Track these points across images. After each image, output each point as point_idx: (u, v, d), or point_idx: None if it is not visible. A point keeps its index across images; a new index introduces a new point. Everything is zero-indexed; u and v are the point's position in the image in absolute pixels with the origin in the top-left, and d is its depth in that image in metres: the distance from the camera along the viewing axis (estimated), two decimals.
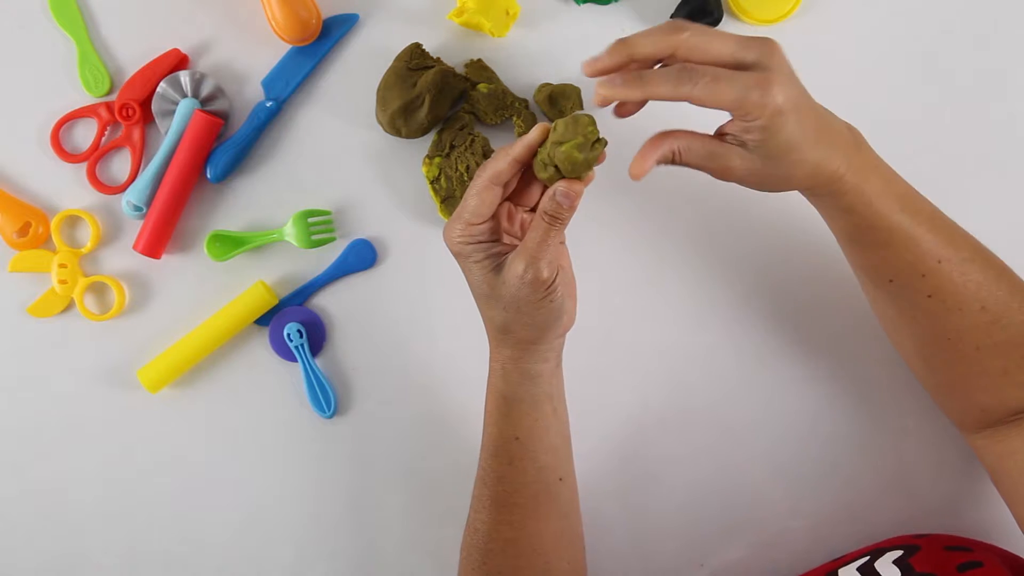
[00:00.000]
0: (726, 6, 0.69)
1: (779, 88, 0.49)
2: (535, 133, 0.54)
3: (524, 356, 0.58)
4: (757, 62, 0.50)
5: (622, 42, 0.51)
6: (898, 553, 0.57)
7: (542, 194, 0.57)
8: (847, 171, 0.53)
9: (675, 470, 0.69)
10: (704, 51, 0.50)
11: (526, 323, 0.56)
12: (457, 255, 0.57)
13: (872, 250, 0.56)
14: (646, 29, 0.52)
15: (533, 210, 0.58)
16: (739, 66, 0.50)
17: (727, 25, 0.69)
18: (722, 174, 0.53)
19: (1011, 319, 0.55)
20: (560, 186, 0.52)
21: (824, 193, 0.55)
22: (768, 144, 0.51)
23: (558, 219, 0.53)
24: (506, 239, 0.58)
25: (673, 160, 0.54)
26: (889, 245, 0.55)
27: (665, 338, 0.70)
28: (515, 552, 0.60)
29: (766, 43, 0.50)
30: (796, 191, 0.56)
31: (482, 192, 0.54)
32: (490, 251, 0.56)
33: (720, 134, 0.53)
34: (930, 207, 0.56)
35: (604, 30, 0.70)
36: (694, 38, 0.50)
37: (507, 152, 0.54)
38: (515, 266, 0.53)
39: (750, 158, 0.52)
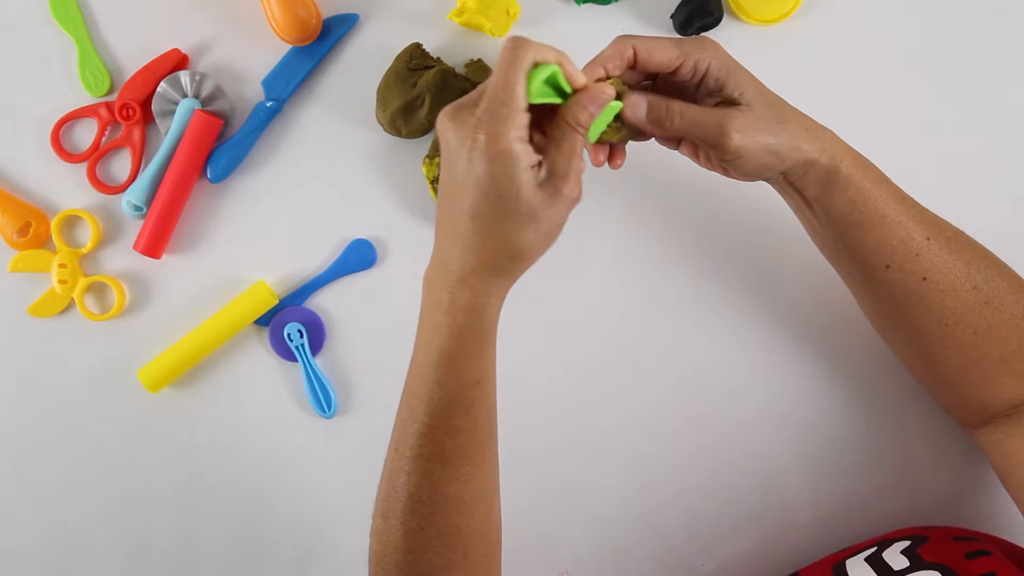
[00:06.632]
0: (726, 6, 0.68)
1: (717, 45, 0.53)
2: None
3: (509, 285, 0.52)
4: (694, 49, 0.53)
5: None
6: (906, 543, 0.57)
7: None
8: (832, 140, 0.55)
9: (678, 465, 0.69)
10: (649, 52, 0.52)
11: (546, 245, 0.50)
12: (504, 157, 0.46)
13: (868, 230, 0.56)
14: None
15: None
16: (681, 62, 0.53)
17: (727, 25, 0.69)
18: (721, 141, 0.52)
19: (1003, 299, 0.56)
20: (604, 90, 0.50)
21: (826, 164, 0.54)
22: (747, 90, 0.52)
23: (582, 125, 0.50)
24: None
25: (670, 131, 0.53)
26: (883, 222, 0.55)
27: (665, 335, 0.69)
28: (458, 509, 0.54)
29: (704, 39, 0.54)
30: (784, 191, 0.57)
31: (523, 79, 0.46)
32: (533, 154, 0.48)
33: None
34: (902, 190, 0.57)
35: (604, 30, 0.69)
36: (638, 42, 0.53)
37: (555, 51, 0.48)
38: (568, 186, 0.48)
39: (748, 117, 0.52)
